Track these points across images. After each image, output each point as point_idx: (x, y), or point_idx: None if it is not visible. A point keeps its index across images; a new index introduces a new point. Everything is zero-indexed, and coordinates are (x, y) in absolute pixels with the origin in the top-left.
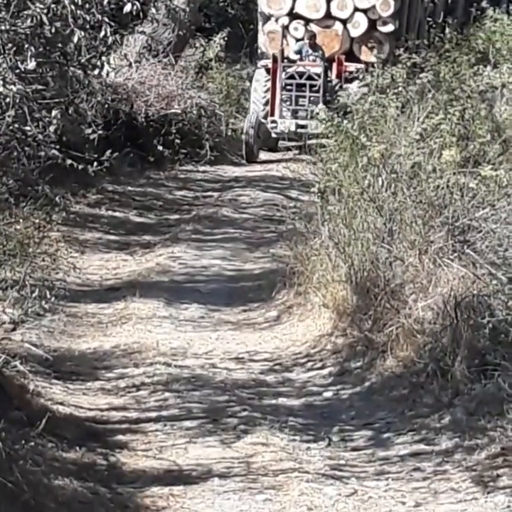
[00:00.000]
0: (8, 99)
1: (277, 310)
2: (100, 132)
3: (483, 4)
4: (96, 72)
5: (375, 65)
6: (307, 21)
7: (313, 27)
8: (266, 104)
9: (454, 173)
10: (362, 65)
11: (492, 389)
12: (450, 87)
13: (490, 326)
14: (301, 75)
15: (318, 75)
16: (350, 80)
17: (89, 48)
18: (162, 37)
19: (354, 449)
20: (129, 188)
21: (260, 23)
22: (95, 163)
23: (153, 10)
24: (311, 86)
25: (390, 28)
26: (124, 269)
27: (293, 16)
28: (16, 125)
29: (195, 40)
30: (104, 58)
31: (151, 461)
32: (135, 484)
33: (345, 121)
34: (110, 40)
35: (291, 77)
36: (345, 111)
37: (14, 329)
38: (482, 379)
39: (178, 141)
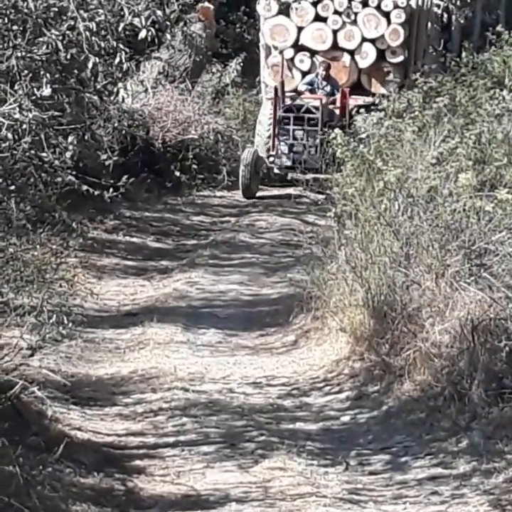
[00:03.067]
0: (24, 126)
1: (295, 334)
2: (117, 158)
3: (499, 28)
4: (112, 98)
5: (389, 94)
6: (313, 53)
7: (319, 59)
8: (269, 137)
9: (471, 197)
10: (370, 98)
11: (510, 412)
12: (466, 111)
13: (507, 349)
14: (299, 108)
15: (317, 108)
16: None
17: (105, 74)
18: (179, 63)
19: (372, 473)
20: (147, 213)
21: (263, 56)
22: (112, 189)
23: (169, 36)
24: (310, 119)
25: (399, 58)
26: (141, 294)
27: (298, 47)
28: (33, 151)
29: (211, 66)
30: (120, 84)
31: (168, 486)
32: (152, 509)
33: (361, 146)
34: (126, 66)
35: (289, 110)
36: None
37: (32, 355)
38: (499, 402)
39: (195, 166)
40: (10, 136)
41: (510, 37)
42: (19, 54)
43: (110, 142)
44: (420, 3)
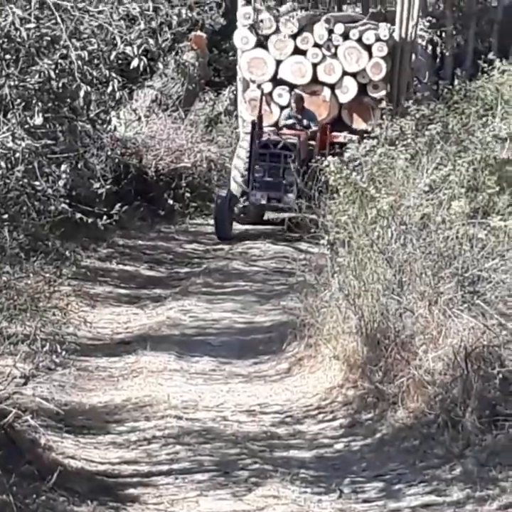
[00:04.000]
0: (17, 155)
1: (288, 362)
2: (110, 186)
3: (491, 56)
4: (105, 126)
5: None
6: (292, 87)
7: (301, 94)
8: (246, 172)
9: (463, 224)
10: (352, 136)
11: (503, 440)
12: (459, 138)
13: (500, 376)
14: (275, 144)
15: (294, 145)
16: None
17: (98, 102)
18: (171, 91)
19: (365, 501)
20: (140, 241)
21: (240, 90)
22: (105, 217)
23: (162, 65)
24: (286, 156)
25: (381, 92)
26: (134, 322)
27: (276, 81)
28: (26, 180)
29: (204, 94)
30: (112, 113)
31: None
32: None
33: (354, 174)
34: (118, 94)
35: (265, 146)
36: (354, 163)
37: (25, 383)
38: (493, 430)
39: (188, 194)
40: (3, 164)
41: (502, 65)
42: (12, 83)
43: (103, 170)
44: (403, 35)
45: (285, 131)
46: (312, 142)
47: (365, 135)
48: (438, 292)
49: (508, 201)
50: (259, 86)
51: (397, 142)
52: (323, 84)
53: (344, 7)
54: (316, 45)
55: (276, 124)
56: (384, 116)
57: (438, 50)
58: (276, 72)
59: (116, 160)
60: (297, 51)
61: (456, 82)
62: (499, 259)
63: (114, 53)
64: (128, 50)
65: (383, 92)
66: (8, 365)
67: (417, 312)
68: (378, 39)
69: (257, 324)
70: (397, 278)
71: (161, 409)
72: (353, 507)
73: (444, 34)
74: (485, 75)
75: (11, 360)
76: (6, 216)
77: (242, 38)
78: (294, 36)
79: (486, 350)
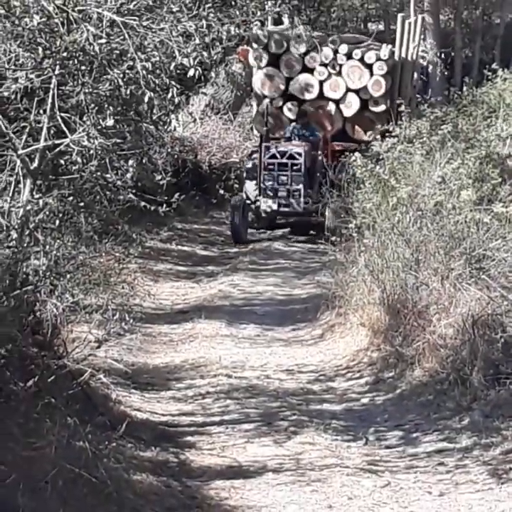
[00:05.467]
0: (91, 151)
1: (321, 329)
2: (170, 178)
3: (495, 66)
4: (166, 127)
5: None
6: (301, 102)
7: (306, 108)
8: (257, 182)
9: (471, 210)
10: (351, 144)
11: (505, 395)
12: (467, 136)
13: (502, 340)
14: (282, 154)
15: (300, 154)
16: (338, 159)
17: (160, 106)
18: (222, 97)
19: (387, 447)
20: (195, 226)
21: (254, 104)
22: (166, 205)
23: (214, 74)
24: (293, 165)
25: (381, 107)
26: (191, 295)
27: (287, 97)
28: (99, 173)
29: (250, 100)
30: (172, 116)
31: (215, 458)
32: (201, 478)
33: (377, 167)
34: (177, 100)
35: (273, 156)
36: (378, 158)
37: (99, 347)
38: (496, 386)
39: (236, 185)
40: (79, 160)
41: (504, 73)
42: (86, 90)
43: (164, 165)
44: (404, 55)
45: (292, 142)
46: (315, 153)
47: (362, 144)
48: (449, 268)
49: (509, 190)
50: (271, 101)
51: (414, 140)
52: (329, 99)
53: (369, 24)
54: (322, 63)
55: (282, 137)
56: (403, 118)
57: (436, 71)
58: (286, 88)
59: (175, 156)
60: (305, 69)
61: (464, 88)
62: (501, 241)
63: (173, 64)
64: (185, 61)
65: (383, 107)
66: (84, 332)
67: (431, 286)
68: (379, 59)
69: (295, 296)
70: (415, 256)
71: (214, 369)
72: (376, 452)
73: (452, 49)
74: (489, 83)
75: (87, 327)
76: (82, 204)
77: (256, 56)
78: (302, 55)
79: (490, 318)
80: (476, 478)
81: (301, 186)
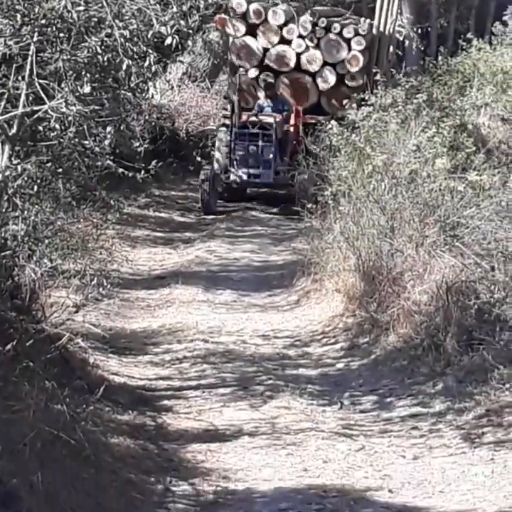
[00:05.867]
0: (70, 118)
1: (297, 295)
2: (147, 145)
3: (469, 36)
4: (143, 95)
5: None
6: (277, 74)
7: (283, 80)
8: (228, 152)
9: (445, 179)
10: (321, 117)
11: (478, 360)
12: (442, 105)
13: (476, 307)
14: (253, 124)
15: (271, 125)
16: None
17: (138, 74)
18: (199, 65)
19: (362, 411)
20: (173, 192)
21: (229, 74)
22: (143, 172)
23: (191, 43)
24: (264, 135)
25: (358, 83)
26: (168, 260)
27: (263, 67)
28: (77, 140)
29: (227, 68)
30: (150, 83)
31: (191, 422)
32: (178, 442)
33: (353, 135)
34: (154, 68)
35: (244, 126)
36: (354, 126)
37: (77, 312)
38: (469, 352)
39: (213, 152)
40: (57, 126)
41: (478, 43)
42: (65, 57)
43: (142, 132)
44: (382, 29)
45: (263, 113)
46: (286, 125)
47: (335, 118)
48: (424, 236)
49: (483, 159)
50: (246, 71)
51: (389, 109)
52: (305, 72)
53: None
54: (300, 36)
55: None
56: (379, 87)
57: (412, 46)
58: (262, 59)
59: (153, 123)
60: (283, 41)
61: (439, 58)
62: (475, 209)
63: (150, 32)
64: (162, 29)
65: (360, 82)
66: (62, 297)
67: (406, 253)
68: (357, 33)
69: (271, 263)
70: (389, 224)
71: (191, 334)
72: (351, 416)
73: (428, 19)
74: (464, 52)
75: (65, 292)
76: (60, 170)
77: (233, 25)
78: (280, 27)
79: (464, 284)
80: (450, 442)
81: (271, 157)
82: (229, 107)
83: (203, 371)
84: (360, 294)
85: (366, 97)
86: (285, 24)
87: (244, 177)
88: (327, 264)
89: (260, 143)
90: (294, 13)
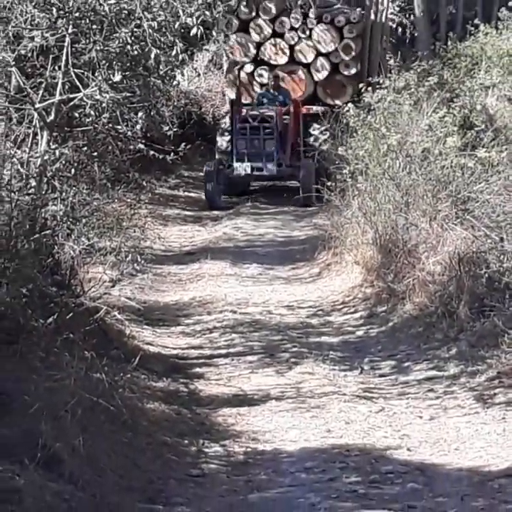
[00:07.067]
0: (103, 105)
1: (319, 267)
2: (176, 129)
3: (477, 21)
4: (172, 82)
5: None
6: (272, 67)
7: (278, 72)
8: (229, 147)
9: (456, 156)
10: (320, 108)
11: (489, 326)
12: (452, 87)
13: (486, 276)
14: (254, 118)
15: (272, 118)
16: (310, 122)
17: (166, 63)
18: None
19: (381, 376)
20: (201, 173)
21: (225, 70)
22: (173, 154)
23: (215, 32)
24: (265, 128)
25: (352, 71)
26: (198, 237)
27: (257, 62)
28: (110, 125)
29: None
30: (177, 71)
31: (222, 388)
32: (210, 406)
33: (369, 117)
34: (181, 56)
35: (245, 120)
36: (369, 108)
37: (113, 286)
38: (481, 318)
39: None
40: (92, 112)
41: (485, 29)
42: (98, 48)
43: (171, 117)
44: (373, 17)
45: (263, 106)
46: (286, 117)
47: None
48: (436, 210)
49: (491, 137)
50: (241, 67)
51: (402, 91)
52: (300, 63)
53: None
54: (292, 28)
55: (249, 103)
56: (392, 71)
57: (406, 33)
58: (256, 54)
59: (181, 108)
60: (275, 34)
61: (449, 43)
62: (484, 184)
63: (177, 23)
64: (189, 20)
65: (354, 70)
66: (99, 272)
67: (420, 226)
68: (349, 22)
69: (294, 238)
70: (404, 199)
71: (220, 306)
72: (371, 380)
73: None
74: (472, 37)
75: (102, 268)
76: (95, 154)
77: (226, 22)
78: (272, 20)
79: (475, 255)
80: (463, 403)
81: (273, 149)
82: (228, 102)
83: (232, 340)
84: (378, 265)
85: (381, 81)
86: (276, 17)
87: (248, 171)
88: (346, 238)
89: (262, 136)
90: (285, 6)
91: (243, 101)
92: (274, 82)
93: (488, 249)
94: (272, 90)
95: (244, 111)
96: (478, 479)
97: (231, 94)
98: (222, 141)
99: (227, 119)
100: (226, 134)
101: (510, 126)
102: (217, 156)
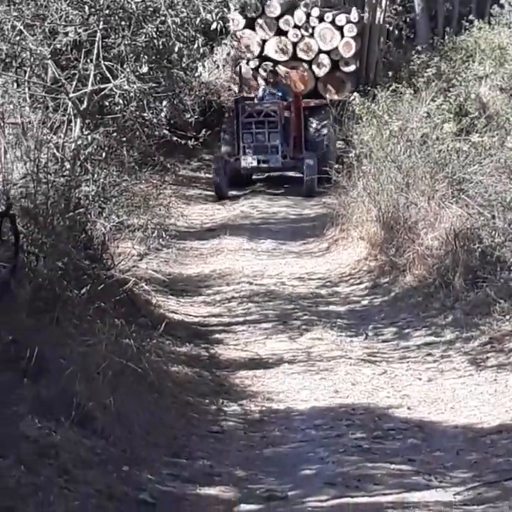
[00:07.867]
0: (131, 94)
1: (327, 242)
2: (198, 117)
3: (471, 17)
4: (194, 73)
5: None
6: (275, 63)
7: (281, 68)
8: (235, 141)
9: (452, 141)
10: (319, 100)
11: (482, 296)
12: (448, 77)
13: (480, 250)
14: (258, 112)
15: (275, 112)
16: (310, 115)
17: (188, 55)
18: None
19: (384, 341)
20: None
21: (232, 66)
22: (195, 140)
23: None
24: (269, 122)
25: (351, 68)
26: (217, 215)
27: (262, 58)
28: (138, 113)
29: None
30: (198, 63)
31: (239, 352)
32: (228, 369)
33: (373, 105)
34: (202, 50)
35: (250, 115)
36: (374, 97)
37: (141, 260)
38: (475, 289)
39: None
40: (121, 101)
41: (479, 24)
42: (126, 42)
43: (193, 105)
44: (372, 18)
45: (266, 101)
46: (288, 111)
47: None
48: (434, 190)
49: (484, 123)
50: (247, 62)
51: (403, 81)
52: (302, 60)
53: None
54: (295, 26)
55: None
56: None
57: (402, 35)
58: (261, 50)
59: (202, 98)
60: (280, 31)
61: (446, 37)
62: (478, 166)
63: (198, 19)
64: (209, 16)
65: (353, 67)
66: (127, 247)
67: (419, 205)
68: (349, 21)
69: (305, 216)
70: (405, 180)
71: (237, 278)
72: (375, 345)
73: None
74: (467, 32)
75: (130, 244)
76: (124, 139)
77: (233, 19)
78: (277, 18)
79: (469, 231)
80: (459, 366)
81: (278, 142)
82: (233, 97)
83: (248, 309)
84: (381, 241)
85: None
86: (281, 16)
87: (255, 163)
88: (352, 216)
89: (266, 129)
90: (289, 5)
91: (246, 96)
92: (272, 78)
93: (481, 226)
94: (270, 86)
95: (248, 106)
96: (472, 435)
97: (236, 88)
98: (226, 136)
99: (232, 114)
100: (230, 128)
101: (502, 114)
102: (222, 149)
